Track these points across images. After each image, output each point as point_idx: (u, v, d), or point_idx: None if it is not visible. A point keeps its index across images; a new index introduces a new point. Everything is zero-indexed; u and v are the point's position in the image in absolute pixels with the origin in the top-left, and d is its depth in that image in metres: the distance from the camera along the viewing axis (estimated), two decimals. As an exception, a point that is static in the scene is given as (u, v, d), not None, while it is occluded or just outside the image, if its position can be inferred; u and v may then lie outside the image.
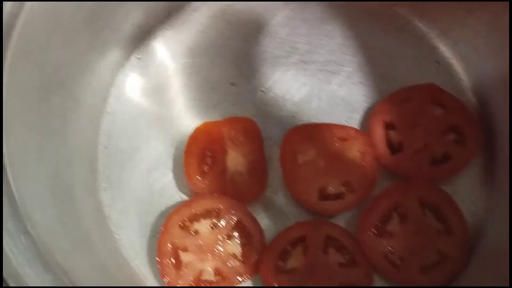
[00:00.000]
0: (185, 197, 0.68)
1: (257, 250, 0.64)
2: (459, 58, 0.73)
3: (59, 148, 0.60)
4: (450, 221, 0.63)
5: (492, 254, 0.61)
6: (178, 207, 0.65)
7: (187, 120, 0.72)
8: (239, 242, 0.65)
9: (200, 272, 0.63)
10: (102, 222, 0.66)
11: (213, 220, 0.65)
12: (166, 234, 0.63)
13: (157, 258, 0.62)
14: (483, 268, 0.61)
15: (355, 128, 0.69)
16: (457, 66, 0.73)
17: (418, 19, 0.75)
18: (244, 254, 0.64)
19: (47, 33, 0.54)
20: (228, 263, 0.63)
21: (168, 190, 0.69)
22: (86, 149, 0.67)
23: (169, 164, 0.70)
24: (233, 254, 0.64)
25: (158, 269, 0.62)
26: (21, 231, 0.45)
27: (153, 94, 0.73)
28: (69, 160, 0.62)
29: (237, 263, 0.63)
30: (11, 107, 0.48)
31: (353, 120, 0.72)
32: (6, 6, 0.47)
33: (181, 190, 0.69)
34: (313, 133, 0.68)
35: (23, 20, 0.49)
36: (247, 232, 0.65)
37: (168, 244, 0.63)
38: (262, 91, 0.73)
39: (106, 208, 0.67)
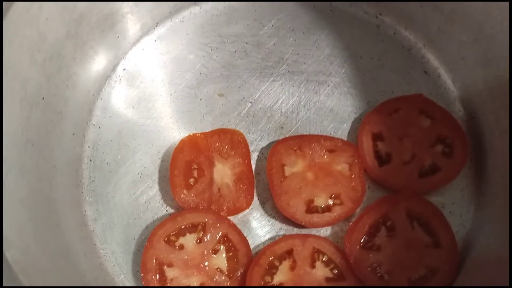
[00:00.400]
0: (171, 210, 0.68)
1: (244, 264, 0.63)
2: (447, 69, 0.73)
3: (40, 163, 0.59)
4: (438, 235, 0.63)
5: (481, 266, 0.61)
6: (163, 221, 0.64)
7: (174, 131, 0.71)
8: (225, 256, 0.64)
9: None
10: (86, 238, 0.64)
11: (199, 234, 0.64)
12: (151, 249, 0.62)
13: (141, 274, 0.61)
14: (472, 281, 0.60)
15: (343, 140, 0.69)
16: (445, 76, 0.73)
17: (405, 28, 0.75)
18: (230, 268, 0.63)
19: (28, 48, 0.53)
20: (214, 278, 0.62)
21: (154, 203, 0.68)
22: (70, 163, 0.66)
23: (155, 176, 0.69)
24: (219, 268, 0.63)
25: (143, 284, 0.62)
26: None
27: (139, 106, 0.72)
28: (52, 175, 0.61)
29: (223, 277, 0.63)
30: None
31: (341, 130, 0.71)
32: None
33: (167, 203, 0.68)
34: (301, 145, 0.68)
35: (6, 35, 0.48)
36: (233, 245, 0.64)
37: (153, 259, 0.62)
38: (250, 102, 0.73)
39: (91, 223, 0.66)
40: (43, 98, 0.58)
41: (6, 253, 0.46)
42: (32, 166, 0.57)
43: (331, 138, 0.69)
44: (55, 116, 0.62)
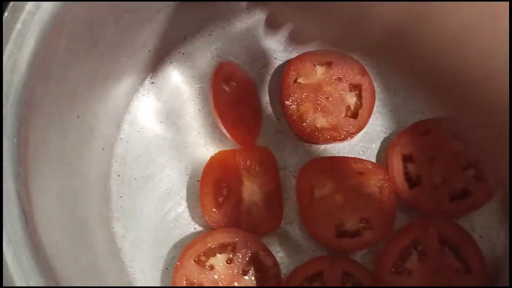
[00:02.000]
0: (199, 228, 0.67)
1: (273, 285, 0.63)
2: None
3: (75, 183, 0.58)
4: (469, 260, 0.62)
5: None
6: (193, 241, 0.63)
7: (202, 147, 0.71)
8: (254, 277, 0.64)
9: None
10: (115, 255, 0.64)
11: (229, 254, 0.63)
12: (181, 269, 0.62)
13: None
14: (502, 308, 0.60)
15: (372, 162, 0.68)
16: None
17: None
18: (259, 289, 0.63)
19: (64, 67, 0.52)
20: (240, 290, 0.62)
21: (181, 220, 0.67)
22: (99, 179, 0.66)
23: (183, 193, 0.69)
24: (248, 289, 0.63)
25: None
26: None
27: (167, 120, 0.72)
28: (84, 193, 0.61)
29: (253, 299, 0.62)
30: (33, 149, 0.47)
31: (370, 150, 0.71)
32: (30, 44, 0.46)
33: (195, 220, 0.68)
34: (331, 167, 0.67)
35: (42, 54, 0.47)
36: (263, 266, 0.63)
37: (183, 280, 0.61)
38: (278, 118, 0.72)
39: (119, 240, 0.65)
40: (78, 116, 0.57)
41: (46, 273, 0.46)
42: (68, 186, 0.56)
43: (361, 160, 0.68)
44: (87, 133, 0.61)
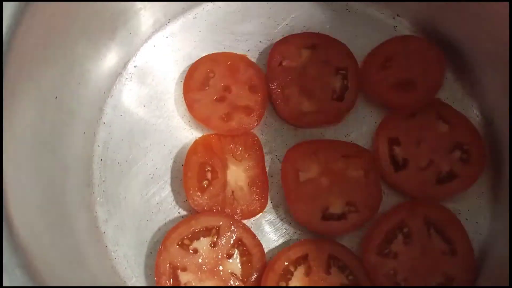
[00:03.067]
0: (183, 212, 0.66)
1: (258, 269, 0.62)
2: (464, 73, 0.72)
3: (53, 164, 0.57)
4: (455, 242, 0.62)
5: (498, 274, 0.60)
6: (177, 225, 0.63)
7: (186, 131, 0.70)
8: (239, 260, 0.63)
9: None
10: (98, 240, 0.63)
11: (213, 238, 0.63)
12: (164, 253, 0.61)
13: (155, 278, 0.60)
14: (488, 289, 0.60)
15: (358, 145, 0.68)
16: (463, 81, 0.72)
17: (422, 31, 0.73)
18: (244, 273, 0.62)
19: (42, 46, 0.51)
20: (228, 283, 0.61)
21: (166, 205, 0.66)
22: (80, 163, 0.65)
23: (167, 177, 0.68)
24: (233, 273, 0.62)
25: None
26: (16, 264, 0.42)
27: (151, 104, 0.71)
28: (64, 176, 0.59)
29: (237, 282, 0.62)
30: (8, 129, 0.46)
31: (356, 133, 0.70)
32: (5, 19, 0.45)
33: (179, 204, 0.67)
34: (316, 150, 0.67)
35: (20, 35, 0.46)
36: (248, 250, 0.63)
37: (167, 263, 0.61)
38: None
39: (102, 224, 0.65)
40: (56, 97, 0.56)
41: (22, 256, 0.45)
42: (45, 168, 0.55)
43: (347, 144, 0.68)
44: (67, 115, 0.60)
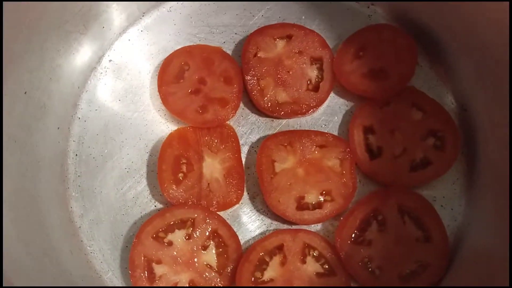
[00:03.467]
0: (159, 206, 0.66)
1: (234, 260, 0.62)
2: (438, 60, 0.71)
3: (23, 159, 0.57)
4: (429, 229, 0.62)
5: (472, 261, 0.60)
6: (151, 217, 0.63)
7: (162, 125, 0.70)
8: (214, 252, 0.63)
9: (175, 284, 0.61)
10: (73, 235, 0.63)
11: (188, 230, 0.63)
12: (139, 246, 0.61)
13: (129, 271, 0.60)
14: (462, 276, 0.60)
15: (334, 135, 0.68)
16: (437, 68, 0.72)
17: (396, 19, 0.73)
18: (220, 264, 0.63)
19: (9, 40, 0.51)
20: (203, 274, 0.61)
21: (142, 199, 0.67)
22: (54, 158, 0.65)
23: (143, 171, 0.68)
24: (209, 264, 0.62)
25: (131, 281, 0.61)
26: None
27: (126, 98, 0.70)
28: (36, 171, 0.59)
29: (213, 273, 0.62)
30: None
31: (332, 123, 0.70)
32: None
33: (155, 198, 0.67)
34: (291, 140, 0.67)
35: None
36: (223, 241, 0.63)
37: (141, 256, 0.61)
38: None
39: (77, 219, 0.65)
40: (25, 92, 0.56)
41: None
42: (15, 163, 0.55)
43: (322, 133, 0.68)
44: (38, 111, 0.60)
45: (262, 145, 0.67)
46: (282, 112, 0.69)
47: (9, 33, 0.52)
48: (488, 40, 0.60)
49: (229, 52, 0.73)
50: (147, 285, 0.60)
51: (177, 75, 0.70)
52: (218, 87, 0.69)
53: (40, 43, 0.57)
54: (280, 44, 0.72)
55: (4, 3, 0.48)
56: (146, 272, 0.61)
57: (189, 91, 0.69)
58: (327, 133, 0.68)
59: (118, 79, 0.71)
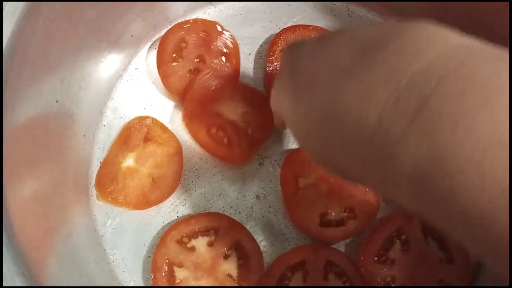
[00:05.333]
0: (182, 215, 0.66)
1: (255, 273, 0.62)
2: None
3: (54, 169, 0.57)
4: (452, 250, 0.62)
5: (494, 282, 0.61)
6: (177, 222, 0.63)
7: (185, 135, 0.70)
8: (236, 262, 0.63)
9: None
10: (96, 243, 0.63)
11: (211, 237, 0.63)
12: (163, 248, 0.62)
13: (151, 273, 0.61)
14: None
15: (358, 150, 0.68)
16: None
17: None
18: (240, 275, 0.63)
19: (43, 52, 0.51)
20: (223, 283, 0.61)
21: (164, 208, 0.66)
22: (80, 165, 0.65)
23: (166, 180, 0.68)
24: (229, 274, 0.62)
25: (151, 282, 0.61)
26: (16, 273, 0.43)
27: (151, 107, 0.70)
28: (64, 180, 0.60)
29: (233, 284, 0.62)
30: (9, 135, 0.46)
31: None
32: (6, 28, 0.44)
33: (178, 208, 0.67)
34: (315, 156, 0.67)
35: (21, 41, 0.46)
36: (245, 253, 0.63)
37: (164, 258, 0.61)
38: (263, 107, 0.71)
39: (100, 227, 0.65)
40: (56, 101, 0.56)
41: (21, 264, 0.45)
42: (46, 173, 0.55)
43: None
44: (68, 119, 0.60)
45: (286, 160, 0.67)
46: None
47: (44, 45, 0.52)
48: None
49: (253, 64, 0.73)
50: (167, 286, 0.61)
51: (176, 53, 0.70)
52: (217, 65, 0.70)
53: (73, 52, 0.57)
54: None
55: (44, 14, 0.48)
56: (167, 274, 0.61)
57: (189, 70, 0.70)
58: (352, 150, 0.68)
59: (143, 87, 0.71)
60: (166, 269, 0.61)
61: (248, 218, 0.66)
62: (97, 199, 0.65)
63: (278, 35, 0.72)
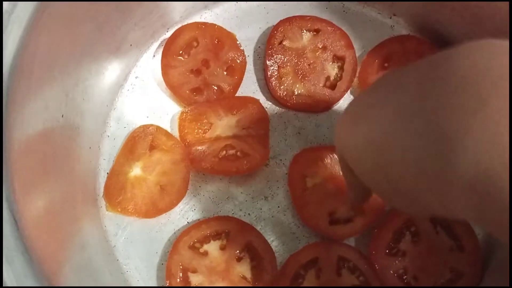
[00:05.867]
0: (192, 221, 0.67)
1: (268, 273, 0.63)
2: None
3: (62, 182, 0.57)
4: (461, 238, 0.63)
5: (504, 268, 0.61)
6: (188, 228, 0.64)
7: (190, 140, 0.70)
8: (249, 264, 0.64)
9: None
10: (109, 254, 0.63)
11: (223, 241, 0.64)
12: (176, 255, 0.62)
13: (166, 281, 0.61)
14: (496, 283, 0.61)
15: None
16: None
17: (419, 30, 0.74)
18: (254, 277, 0.63)
19: (47, 67, 0.51)
20: (238, 286, 0.62)
21: (174, 215, 0.67)
22: (87, 177, 0.65)
23: (174, 187, 0.68)
24: (243, 276, 0.63)
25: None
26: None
27: (154, 114, 0.71)
28: (73, 193, 0.60)
29: (248, 285, 0.62)
30: (18, 151, 0.46)
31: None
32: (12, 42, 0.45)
33: (187, 214, 0.67)
34: (321, 156, 0.67)
35: (26, 56, 0.46)
36: (258, 254, 0.64)
37: (178, 265, 0.62)
38: (265, 107, 0.72)
39: (112, 238, 0.65)
40: (62, 115, 0.56)
41: (39, 280, 0.45)
42: (57, 187, 0.55)
43: None
44: (73, 132, 0.60)
45: (294, 160, 0.67)
46: (296, 103, 0.70)
47: (48, 59, 0.52)
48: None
49: (252, 65, 0.73)
50: None
51: (185, 49, 0.71)
52: (218, 74, 0.70)
53: (75, 66, 0.57)
54: (306, 36, 0.73)
55: (46, 28, 0.48)
56: (182, 280, 0.61)
57: (191, 70, 0.70)
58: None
59: (145, 95, 0.71)
60: (181, 276, 0.62)
61: (257, 220, 0.66)
62: (107, 210, 0.65)
63: (275, 28, 0.73)
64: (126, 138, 0.68)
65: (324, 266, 0.62)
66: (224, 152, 0.67)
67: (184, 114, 0.68)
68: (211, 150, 0.67)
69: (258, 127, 0.68)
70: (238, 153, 0.67)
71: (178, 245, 0.62)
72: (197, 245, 0.63)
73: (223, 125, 0.68)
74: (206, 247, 0.63)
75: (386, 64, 0.71)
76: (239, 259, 0.63)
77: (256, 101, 0.70)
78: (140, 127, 0.68)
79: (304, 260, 0.63)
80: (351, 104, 0.47)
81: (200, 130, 0.68)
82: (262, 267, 0.63)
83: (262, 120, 0.69)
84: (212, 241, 0.64)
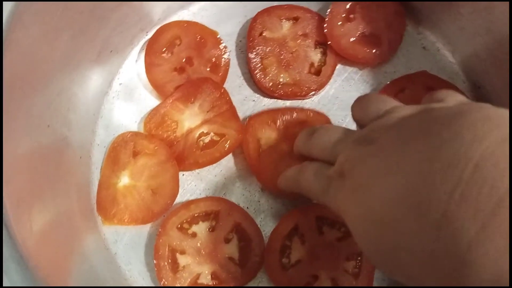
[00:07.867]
0: (190, 221, 0.66)
1: (256, 255, 0.62)
2: (445, 42, 0.72)
3: (56, 194, 0.56)
4: (345, 227, 0.62)
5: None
6: (176, 208, 0.63)
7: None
8: (237, 245, 0.63)
9: (197, 276, 0.61)
10: (110, 262, 0.63)
11: (212, 222, 0.63)
12: (164, 236, 0.62)
13: (154, 260, 0.61)
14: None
15: (314, 110, 0.68)
16: (444, 49, 0.72)
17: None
18: (242, 258, 0.63)
19: (28, 75, 0.50)
20: (226, 267, 0.61)
21: (172, 215, 0.66)
22: (80, 187, 0.64)
23: (170, 189, 0.68)
24: (231, 257, 0.62)
25: (155, 270, 0.61)
26: None
27: (142, 119, 0.70)
28: (68, 205, 0.59)
29: (235, 267, 0.62)
30: (7, 163, 0.45)
31: (349, 117, 0.70)
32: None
33: (185, 214, 0.66)
34: (274, 118, 0.67)
35: (5, 65, 0.46)
36: (246, 235, 0.63)
37: (166, 246, 0.61)
38: (253, 100, 0.71)
39: (112, 245, 0.64)
40: (48, 126, 0.56)
41: None
42: (52, 201, 0.55)
43: (303, 109, 0.68)
44: (61, 142, 0.60)
45: (246, 125, 0.67)
46: (283, 93, 0.70)
47: (27, 68, 0.51)
48: (496, 17, 0.61)
49: (236, 59, 0.73)
50: (170, 274, 0.60)
51: (168, 47, 0.71)
52: (202, 72, 0.70)
53: (56, 75, 0.57)
54: (286, 25, 0.73)
55: (20, 37, 0.48)
56: (170, 261, 0.61)
57: (174, 68, 0.70)
58: (308, 108, 0.69)
59: (131, 101, 0.71)
60: (169, 257, 0.61)
61: (257, 212, 0.66)
62: (103, 224, 0.64)
63: (254, 20, 0.73)
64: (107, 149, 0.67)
65: (305, 231, 0.62)
66: (201, 142, 0.67)
67: (147, 124, 0.67)
68: (189, 145, 0.66)
69: (220, 104, 0.68)
70: (214, 137, 0.67)
71: (166, 226, 0.62)
72: (186, 225, 0.63)
73: (188, 116, 0.68)
74: (194, 228, 0.63)
75: (351, 16, 0.72)
76: (227, 240, 0.63)
77: (207, 80, 0.69)
78: (118, 136, 0.67)
79: (285, 231, 0.62)
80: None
81: (169, 132, 0.67)
82: (250, 249, 0.62)
83: (221, 96, 0.68)
84: (201, 222, 0.63)
